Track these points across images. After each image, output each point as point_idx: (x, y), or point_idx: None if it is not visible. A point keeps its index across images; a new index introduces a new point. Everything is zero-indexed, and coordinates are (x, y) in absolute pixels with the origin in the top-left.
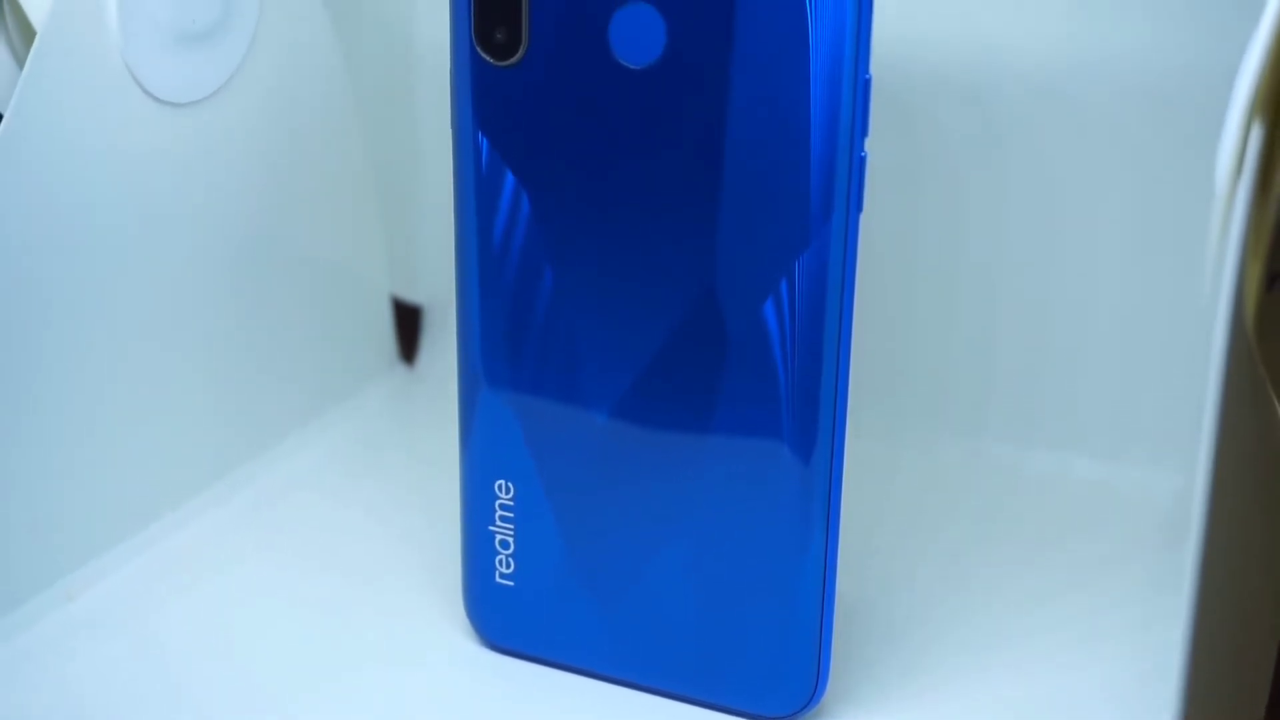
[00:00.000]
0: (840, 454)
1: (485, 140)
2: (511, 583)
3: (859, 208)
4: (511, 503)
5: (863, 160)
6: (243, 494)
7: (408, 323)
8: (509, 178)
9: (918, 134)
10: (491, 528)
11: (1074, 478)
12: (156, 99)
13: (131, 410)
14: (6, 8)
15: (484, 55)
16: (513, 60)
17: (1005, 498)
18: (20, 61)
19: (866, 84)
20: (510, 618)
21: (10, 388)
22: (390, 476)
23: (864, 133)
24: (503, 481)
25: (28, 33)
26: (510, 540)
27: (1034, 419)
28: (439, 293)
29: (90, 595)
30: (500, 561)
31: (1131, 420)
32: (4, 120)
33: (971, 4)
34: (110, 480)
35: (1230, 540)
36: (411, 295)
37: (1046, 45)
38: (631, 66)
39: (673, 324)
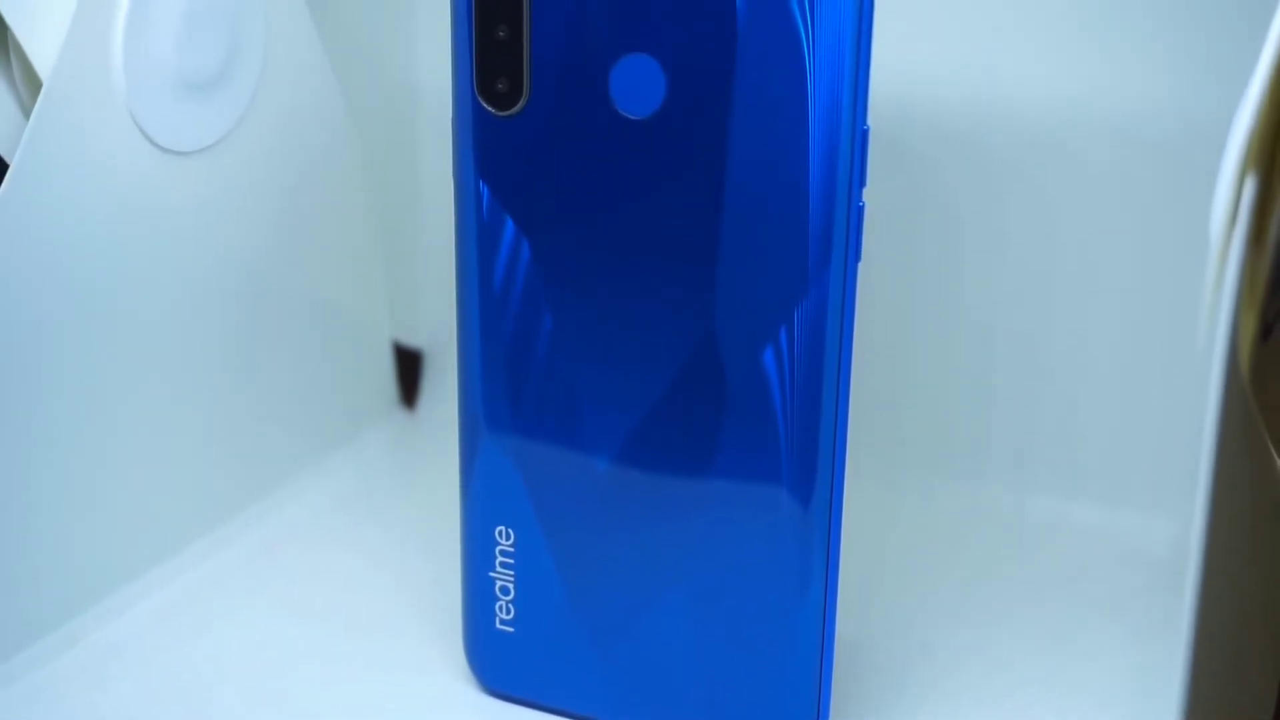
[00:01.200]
0: (840, 499)
1: (486, 188)
2: (512, 629)
3: (857, 257)
4: (512, 549)
5: (861, 210)
6: (243, 539)
7: (409, 367)
8: (509, 225)
9: (916, 183)
10: (492, 574)
11: (1072, 523)
12: (161, 147)
13: (133, 456)
14: (13, 58)
15: (486, 105)
16: (514, 110)
17: (1004, 542)
18: (27, 111)
19: (864, 135)
20: (511, 664)
21: (12, 432)
22: (390, 522)
23: (862, 183)
24: (503, 528)
25: (34, 83)
26: (510, 586)
27: (1032, 465)
28: (440, 337)
29: (93, 639)
30: (500, 608)
31: (1129, 467)
32: (10, 169)
33: (970, 54)
34: (112, 525)
35: (1227, 587)
36: (412, 340)
37: (1044, 94)
38: (632, 117)
39: (673, 371)
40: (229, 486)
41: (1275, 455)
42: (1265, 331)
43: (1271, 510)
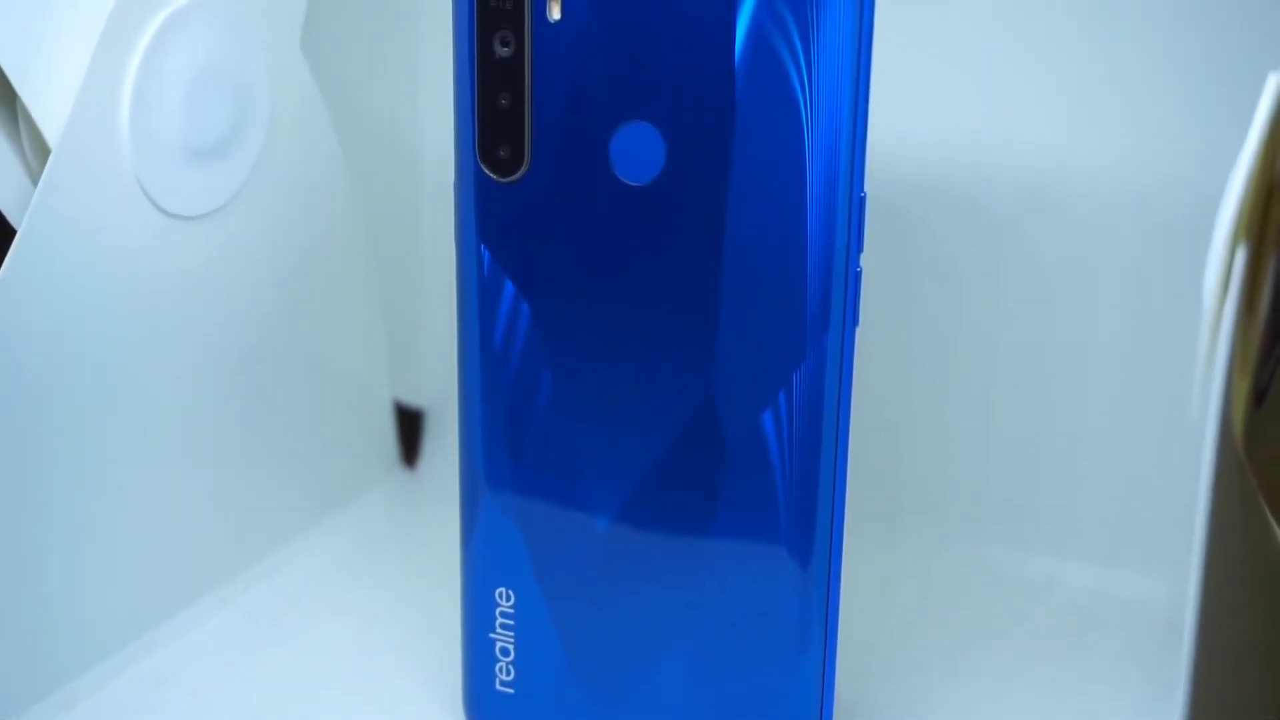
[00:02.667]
0: (839, 559)
1: (488, 252)
2: (512, 690)
3: (855, 321)
4: (512, 610)
5: (858, 275)
6: (244, 599)
7: (410, 426)
8: (510, 287)
9: (914, 246)
10: (492, 635)
11: (1070, 583)
12: (166, 213)
13: (133, 516)
14: (22, 125)
15: (488, 171)
16: (516, 176)
17: (1003, 602)
18: (35, 177)
19: (861, 201)
20: None
21: (14, 491)
22: (390, 582)
23: (859, 248)
24: (503, 589)
25: (42, 149)
26: (510, 648)
27: (1030, 525)
28: (441, 396)
29: (90, 703)
30: (501, 669)
31: (1127, 526)
32: (18, 234)
33: (966, 117)
34: (112, 586)
35: (1224, 647)
36: (414, 399)
37: (1040, 159)
38: (632, 183)
39: (672, 432)
40: (230, 546)
41: (1271, 519)
42: (1258, 397)
43: (1268, 572)
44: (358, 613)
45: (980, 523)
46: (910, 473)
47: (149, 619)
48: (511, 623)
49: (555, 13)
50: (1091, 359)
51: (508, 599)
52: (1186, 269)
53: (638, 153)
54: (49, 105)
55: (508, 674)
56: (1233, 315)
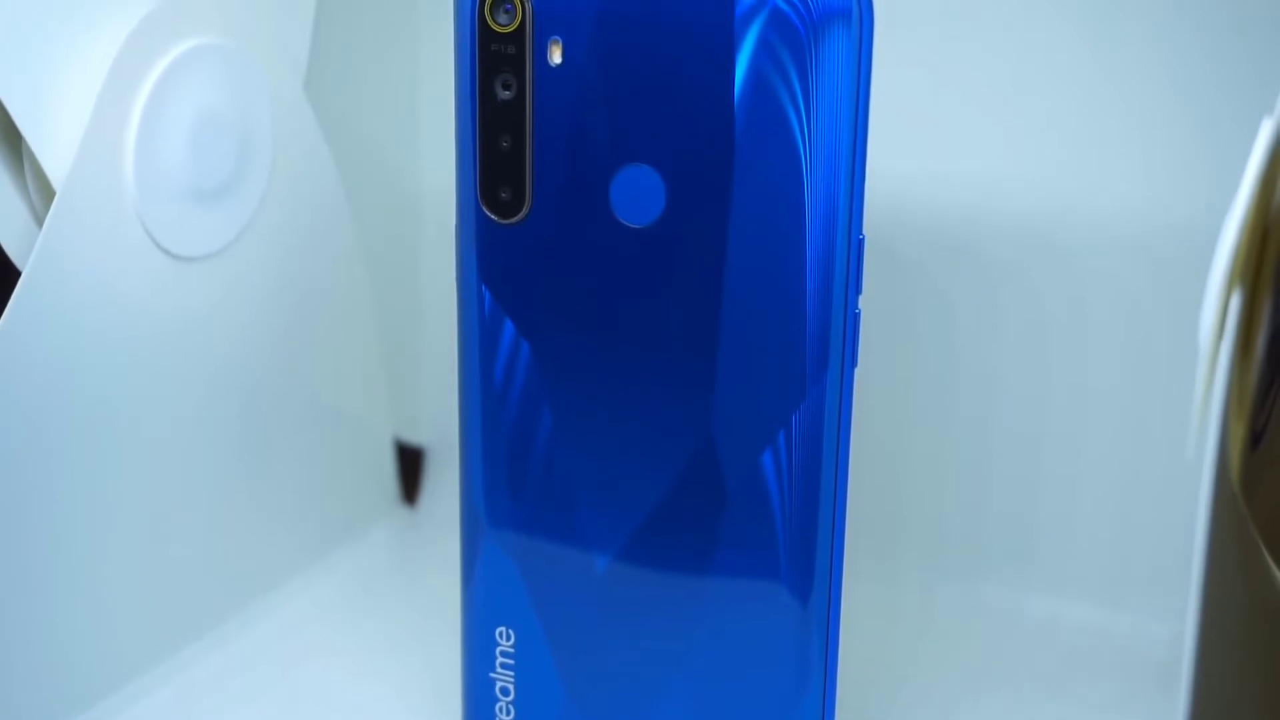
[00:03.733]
0: (838, 598)
1: (488, 292)
2: None
3: (854, 363)
4: (512, 650)
5: (856, 317)
6: (244, 637)
7: (410, 464)
8: (510, 328)
9: (912, 286)
10: (492, 674)
11: (1070, 623)
12: (169, 253)
13: (136, 554)
14: (27, 167)
15: (489, 213)
16: (517, 218)
17: (1002, 641)
18: (40, 219)
19: (860, 244)
20: None
21: (18, 530)
22: (391, 621)
23: (858, 290)
24: (504, 628)
25: (47, 191)
26: (511, 688)
27: (1030, 565)
28: (442, 434)
29: None
30: (501, 709)
31: (1127, 567)
32: (24, 274)
33: (964, 158)
34: (113, 625)
35: (1222, 690)
36: (414, 437)
37: (1040, 201)
38: (632, 225)
39: (672, 472)
40: (231, 584)
41: (1269, 560)
42: (1254, 440)
43: (1265, 613)
44: (358, 651)
45: (979, 562)
46: (910, 512)
47: (150, 657)
48: (512, 662)
49: (556, 57)
50: (1090, 400)
51: (508, 638)
52: (1184, 311)
53: (638, 195)
54: (54, 148)
55: (508, 713)
56: (1228, 358)
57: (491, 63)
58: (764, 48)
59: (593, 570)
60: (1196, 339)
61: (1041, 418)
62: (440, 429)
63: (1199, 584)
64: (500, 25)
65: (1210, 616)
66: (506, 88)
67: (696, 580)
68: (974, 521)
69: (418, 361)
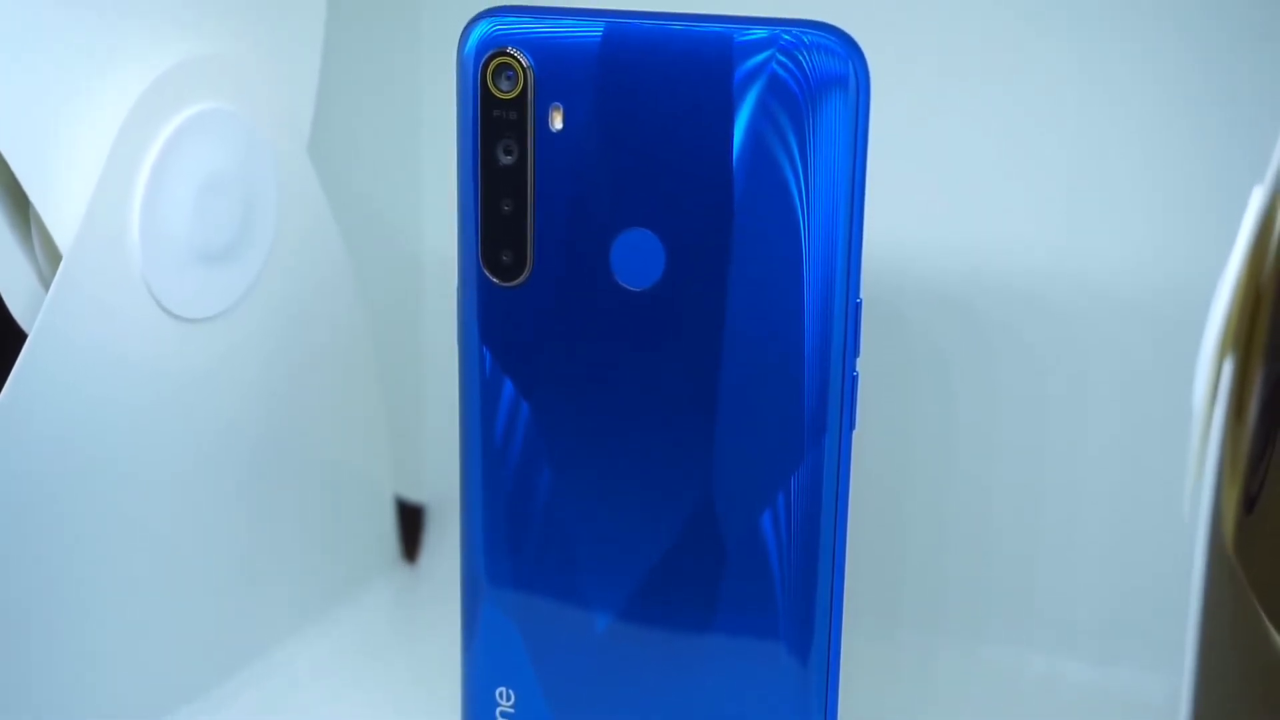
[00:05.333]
0: (837, 656)
1: (489, 353)
2: None
3: (852, 425)
4: (512, 710)
5: (854, 380)
6: (244, 697)
7: (411, 522)
8: (511, 388)
9: (909, 345)
10: None
11: (1069, 681)
12: (174, 315)
13: (137, 613)
14: (34, 231)
15: (490, 275)
16: (518, 281)
17: (1001, 699)
18: (46, 282)
19: (857, 307)
20: None
21: (18, 589)
22: (391, 679)
23: (855, 353)
24: (504, 688)
25: (54, 255)
26: None
27: (1028, 623)
28: (442, 492)
29: None
30: None
31: (1126, 624)
32: (30, 337)
33: (962, 221)
34: (114, 684)
35: None
36: (415, 495)
37: (1037, 261)
38: (632, 288)
39: (672, 533)
40: (230, 644)
41: (1267, 622)
42: (1249, 504)
43: (1262, 674)
44: (358, 711)
45: (979, 621)
46: (909, 572)
47: (148, 717)
48: None
49: (557, 123)
50: (1087, 461)
51: (508, 698)
52: (1181, 373)
53: (638, 259)
54: (61, 211)
55: None
56: (1222, 423)
57: (493, 128)
58: (762, 113)
59: (592, 630)
60: (1192, 402)
61: (1039, 478)
62: (441, 487)
63: (1195, 644)
64: (502, 92)
65: (1207, 675)
66: (508, 153)
67: (696, 640)
68: (973, 581)
69: (419, 420)
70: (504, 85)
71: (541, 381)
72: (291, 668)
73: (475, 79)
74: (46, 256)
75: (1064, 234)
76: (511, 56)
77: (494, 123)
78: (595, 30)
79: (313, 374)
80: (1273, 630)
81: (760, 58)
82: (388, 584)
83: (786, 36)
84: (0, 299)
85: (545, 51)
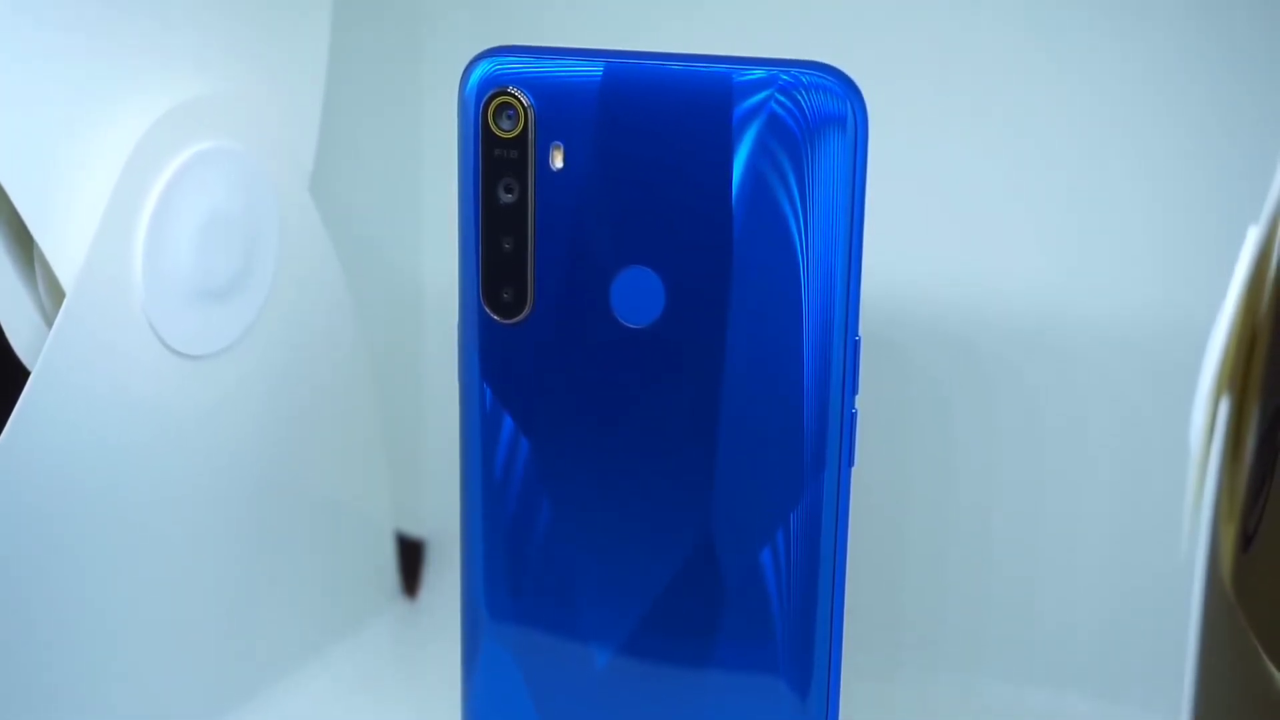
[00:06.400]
0: (836, 693)
1: (489, 390)
2: None
3: (850, 462)
4: None
5: (853, 417)
6: None
7: (411, 557)
8: (511, 424)
9: (909, 382)
10: None
11: (1068, 717)
12: (175, 351)
13: (138, 649)
14: (38, 269)
15: (491, 313)
16: (518, 319)
17: None
18: (49, 320)
19: (856, 345)
20: None
21: (20, 625)
22: (391, 714)
23: (854, 390)
24: None
25: (57, 293)
26: None
27: (1028, 657)
28: (442, 527)
29: None
30: None
31: (1124, 661)
32: (32, 375)
33: (962, 256)
34: (113, 718)
35: None
36: (415, 529)
37: (1037, 300)
38: (632, 326)
39: (671, 570)
40: (229, 679)
41: (1266, 658)
42: (1246, 541)
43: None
44: None
45: (978, 658)
46: (908, 608)
47: None
48: None
49: (558, 162)
50: (1086, 498)
51: None
52: (1178, 412)
53: (638, 296)
54: (65, 248)
55: None
56: (1218, 462)
57: (494, 167)
58: (761, 152)
59: (593, 665)
60: (1189, 440)
61: (1038, 516)
62: (441, 522)
63: (1194, 680)
64: (503, 131)
65: (1206, 712)
66: (509, 191)
67: (696, 676)
68: (972, 617)
69: (419, 455)
70: (505, 124)
71: (542, 418)
72: (292, 703)
73: (476, 118)
74: (50, 293)
75: (1063, 272)
76: (512, 96)
77: (495, 161)
78: (595, 70)
79: (314, 410)
80: (1271, 666)
81: (759, 97)
82: (388, 618)
83: (785, 76)
84: (3, 335)
85: (546, 91)
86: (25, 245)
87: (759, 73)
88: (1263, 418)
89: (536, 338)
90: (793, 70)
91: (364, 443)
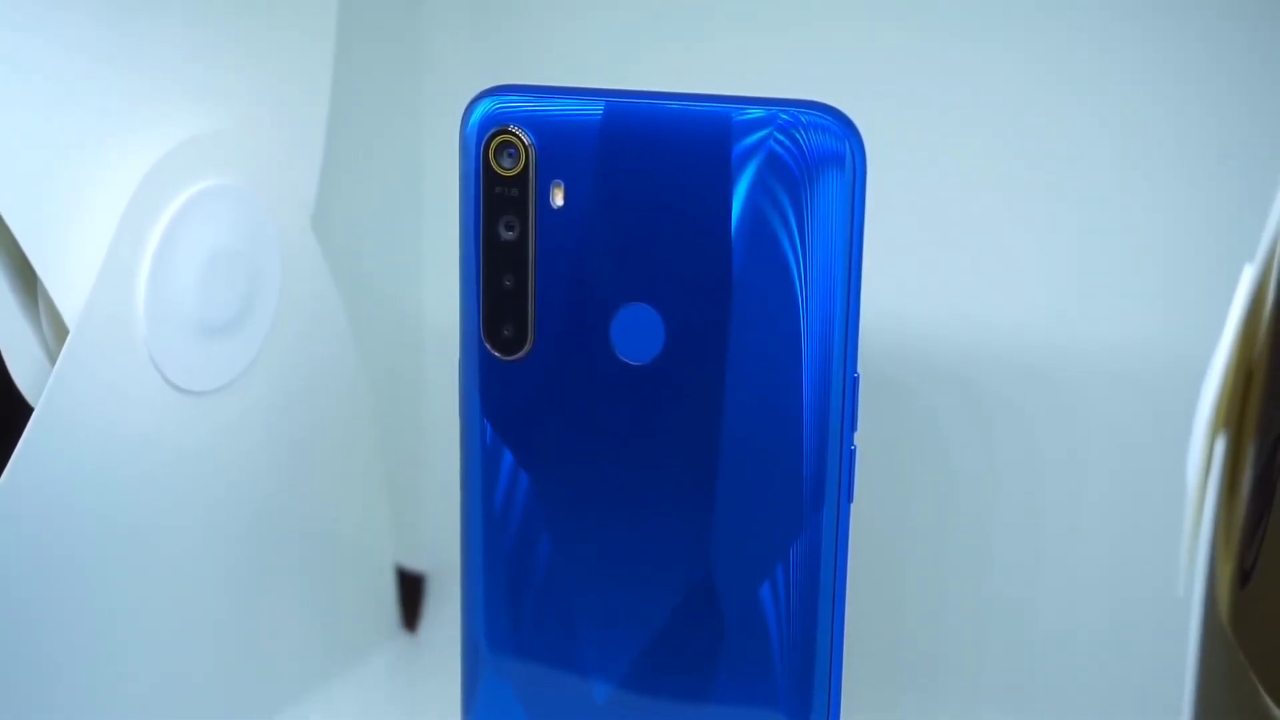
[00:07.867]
0: None
1: (490, 426)
2: None
3: (850, 497)
4: None
5: (852, 453)
6: None
7: (411, 590)
8: (511, 460)
9: (908, 418)
10: None
11: None
12: (178, 388)
13: (136, 683)
14: (41, 306)
15: (491, 349)
16: (519, 355)
17: None
18: (52, 356)
19: (855, 381)
20: None
21: (22, 658)
22: None
23: (853, 426)
24: None
25: (60, 330)
26: None
27: (1028, 689)
28: (443, 561)
29: None
30: None
31: (1122, 697)
32: (35, 411)
33: (961, 293)
34: None
35: None
36: (415, 564)
37: (1035, 334)
38: (632, 363)
39: (671, 605)
40: (232, 713)
41: (1264, 694)
42: (1243, 578)
43: None
44: None
45: (977, 692)
46: (907, 643)
47: None
48: None
49: (558, 199)
50: (1084, 535)
51: None
52: (1176, 449)
53: (638, 333)
54: (68, 286)
55: None
56: (1215, 499)
57: (495, 205)
58: (760, 190)
59: (593, 700)
60: (1186, 477)
61: (1036, 551)
62: (442, 557)
63: (1191, 715)
64: (504, 169)
65: None
66: (510, 229)
67: (696, 710)
68: (970, 652)
69: (420, 490)
70: (506, 162)
71: (542, 454)
72: None
73: (478, 156)
74: (53, 329)
75: (1060, 307)
76: (513, 134)
77: (496, 199)
78: (596, 109)
79: (315, 445)
80: (1269, 701)
81: (758, 136)
82: (388, 652)
83: (784, 116)
84: (6, 372)
85: (547, 130)
86: (29, 280)
87: (758, 112)
88: (1259, 453)
89: (537, 374)
90: (791, 109)
91: (365, 477)
